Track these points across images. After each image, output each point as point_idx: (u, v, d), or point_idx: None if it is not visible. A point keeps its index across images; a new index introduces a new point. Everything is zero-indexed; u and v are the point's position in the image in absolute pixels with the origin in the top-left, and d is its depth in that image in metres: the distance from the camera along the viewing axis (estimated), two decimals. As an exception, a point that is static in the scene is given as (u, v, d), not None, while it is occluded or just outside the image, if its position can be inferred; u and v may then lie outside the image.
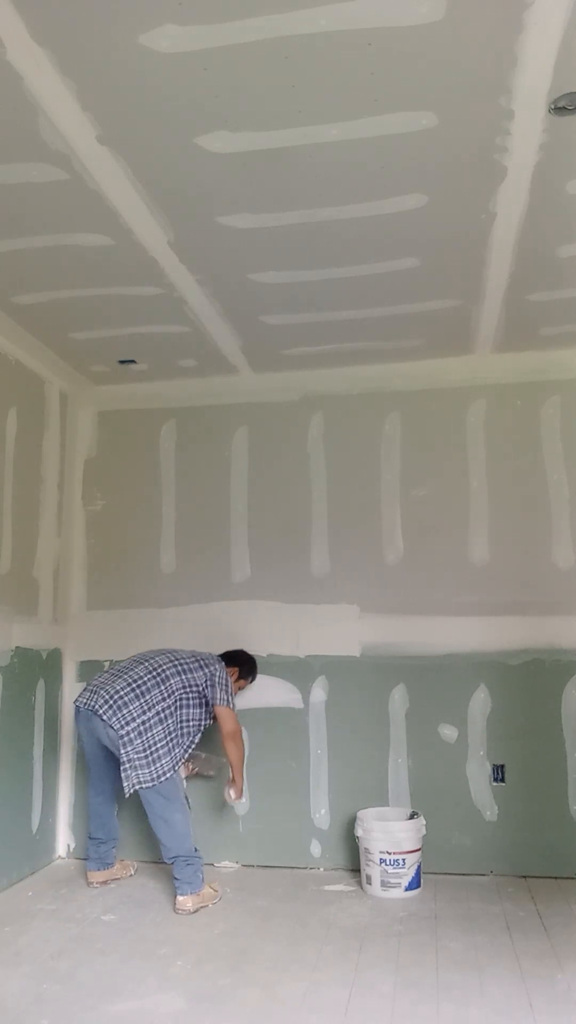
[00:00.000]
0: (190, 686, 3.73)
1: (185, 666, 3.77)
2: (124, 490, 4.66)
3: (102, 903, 3.62)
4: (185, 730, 3.69)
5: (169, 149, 2.54)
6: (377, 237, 3.08)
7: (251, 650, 4.33)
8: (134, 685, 3.63)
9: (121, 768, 3.51)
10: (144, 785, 3.51)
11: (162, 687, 3.66)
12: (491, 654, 4.14)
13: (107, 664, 4.44)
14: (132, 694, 3.59)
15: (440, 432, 4.38)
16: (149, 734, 3.56)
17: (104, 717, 3.53)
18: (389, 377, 4.44)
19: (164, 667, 3.73)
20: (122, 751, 3.50)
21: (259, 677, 4.28)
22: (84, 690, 3.74)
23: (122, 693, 3.59)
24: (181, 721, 3.68)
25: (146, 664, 3.74)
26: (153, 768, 3.53)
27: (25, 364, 4.20)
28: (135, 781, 3.50)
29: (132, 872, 3.98)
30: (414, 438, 4.40)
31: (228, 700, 3.79)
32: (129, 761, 3.50)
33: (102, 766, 3.76)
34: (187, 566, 4.51)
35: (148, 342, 4.10)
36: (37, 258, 3.22)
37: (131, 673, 3.69)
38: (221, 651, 4.10)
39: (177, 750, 3.63)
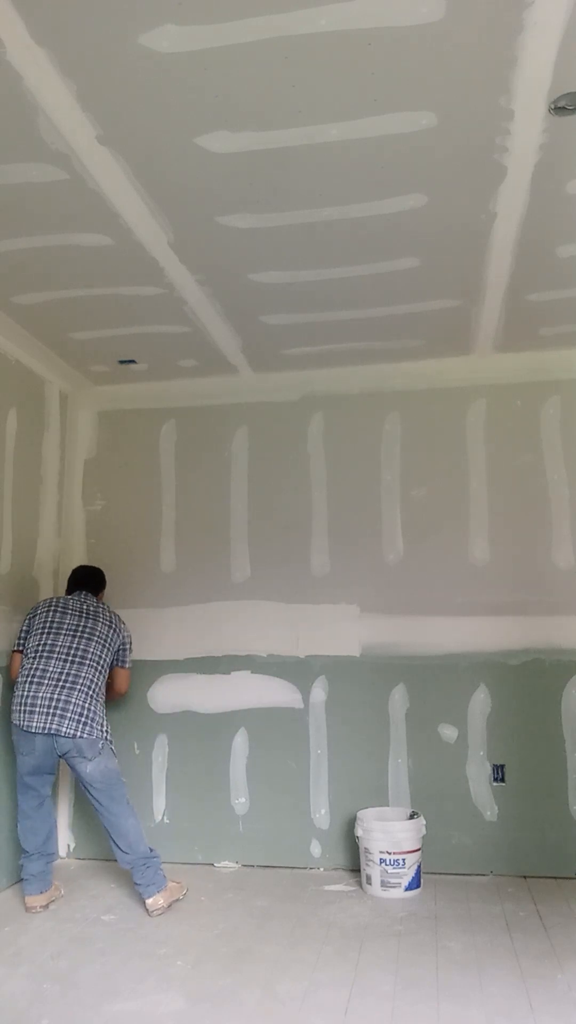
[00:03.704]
0: (111, 652, 3.75)
1: (105, 636, 3.71)
2: (124, 490, 4.66)
3: (102, 903, 3.62)
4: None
5: (169, 149, 2.54)
6: (377, 237, 3.08)
7: (251, 650, 4.35)
8: (87, 687, 3.54)
9: (93, 762, 3.49)
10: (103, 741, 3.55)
11: (101, 671, 3.65)
12: (491, 654, 4.14)
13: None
14: (90, 696, 3.54)
15: (440, 432, 4.38)
16: (99, 711, 3.60)
17: (82, 736, 3.45)
18: (389, 377, 4.44)
19: (94, 653, 3.64)
20: (100, 744, 3.50)
21: (259, 677, 4.29)
22: (30, 711, 3.47)
23: (84, 704, 3.50)
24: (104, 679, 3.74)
25: (77, 661, 3.59)
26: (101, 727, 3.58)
27: (25, 364, 4.20)
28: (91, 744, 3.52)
29: (62, 892, 3.72)
30: (414, 438, 4.40)
31: (131, 662, 3.91)
32: (99, 752, 3.52)
33: (50, 772, 3.59)
34: (187, 566, 4.51)
35: (148, 342, 4.10)
36: (37, 258, 3.22)
37: (72, 674, 3.55)
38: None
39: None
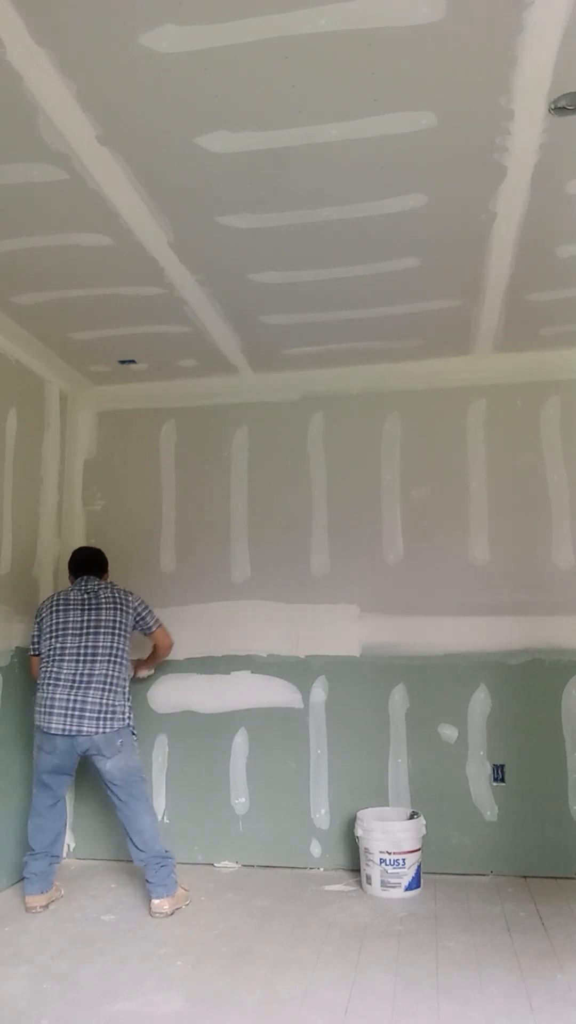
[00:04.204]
0: (127, 633, 3.76)
1: (112, 623, 3.71)
2: (124, 490, 4.66)
3: (102, 903, 3.62)
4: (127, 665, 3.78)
5: (169, 149, 2.54)
6: (377, 237, 3.08)
7: (251, 650, 4.35)
8: (101, 683, 3.57)
9: (118, 751, 3.54)
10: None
11: (116, 660, 3.65)
12: (491, 654, 4.14)
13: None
14: (106, 691, 3.56)
15: (440, 432, 4.38)
16: (127, 699, 3.65)
17: (103, 731, 3.49)
18: (389, 377, 4.44)
19: (104, 646, 3.64)
20: (119, 741, 3.54)
21: (259, 677, 4.29)
22: (48, 713, 3.53)
23: (100, 700, 3.53)
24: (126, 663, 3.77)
25: (88, 659, 3.61)
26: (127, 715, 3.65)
27: (25, 364, 4.20)
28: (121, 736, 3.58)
29: (62, 893, 3.72)
30: (414, 438, 4.40)
31: (158, 620, 3.94)
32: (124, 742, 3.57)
33: (69, 773, 3.63)
34: (187, 566, 4.51)
35: (148, 342, 4.10)
36: (37, 258, 3.22)
37: (86, 674, 3.57)
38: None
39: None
